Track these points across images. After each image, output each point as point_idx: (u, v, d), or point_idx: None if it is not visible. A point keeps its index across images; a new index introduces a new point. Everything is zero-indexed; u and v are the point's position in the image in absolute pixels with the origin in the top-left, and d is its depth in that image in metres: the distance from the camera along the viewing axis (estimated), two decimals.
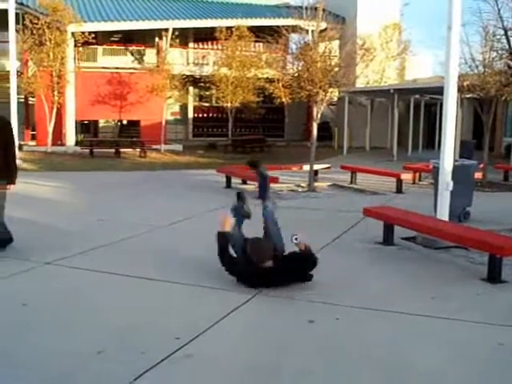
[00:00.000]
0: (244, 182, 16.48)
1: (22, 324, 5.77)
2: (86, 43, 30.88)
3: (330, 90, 17.42)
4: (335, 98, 30.97)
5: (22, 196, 13.34)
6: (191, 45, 39.56)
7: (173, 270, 7.57)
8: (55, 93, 30.18)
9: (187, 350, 5.12)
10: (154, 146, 29.82)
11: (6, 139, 8.04)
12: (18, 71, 29.79)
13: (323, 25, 18.00)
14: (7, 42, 23.74)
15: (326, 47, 17.14)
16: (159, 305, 6.39)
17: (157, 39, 35.69)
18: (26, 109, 34.13)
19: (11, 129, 8.29)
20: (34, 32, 28.68)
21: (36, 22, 28.73)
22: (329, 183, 17.36)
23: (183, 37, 34.46)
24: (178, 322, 5.85)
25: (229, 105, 33.15)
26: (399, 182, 16.03)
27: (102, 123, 38.39)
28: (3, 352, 5.06)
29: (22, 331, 5.58)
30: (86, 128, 37.35)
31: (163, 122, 31.78)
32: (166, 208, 12.85)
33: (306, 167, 17.05)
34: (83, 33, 29.94)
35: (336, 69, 16.99)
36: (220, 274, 7.12)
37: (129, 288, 6.98)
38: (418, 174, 18.18)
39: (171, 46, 32.73)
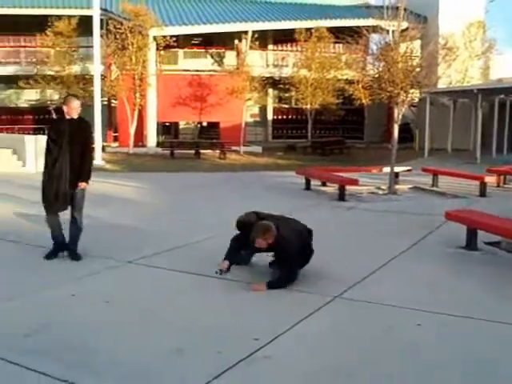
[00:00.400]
0: (323, 184, 16.37)
1: (103, 320, 5.87)
2: (167, 47, 31.38)
3: (412, 90, 17.15)
4: (416, 99, 30.44)
5: (105, 196, 13.68)
6: (270, 47, 39.62)
7: (250, 272, 7.56)
8: (137, 95, 30.77)
9: (266, 352, 5.10)
10: (234, 148, 30.01)
11: (85, 139, 8.22)
12: (101, 75, 30.55)
13: (404, 24, 17.70)
14: (92, 46, 24.38)
15: (407, 47, 16.87)
16: (237, 305, 6.40)
17: (236, 41, 35.90)
18: (108, 111, 34.95)
19: (90, 130, 8.52)
20: (117, 37, 29.41)
21: (119, 27, 29.45)
22: (410, 186, 17.06)
23: (262, 39, 34.59)
24: (257, 323, 5.84)
25: (308, 106, 33.10)
26: (483, 185, 15.59)
27: (182, 125, 38.82)
28: (86, 347, 5.16)
29: (103, 327, 5.69)
30: (167, 130, 37.86)
31: (243, 124, 31.96)
32: (244, 209, 12.86)
33: (386, 169, 16.79)
34: (164, 36, 30.47)
35: (417, 69, 16.69)
36: (301, 275, 7.09)
37: (207, 288, 7.01)
38: (502, 177, 17.67)
39: (251, 48, 32.93)
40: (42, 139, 21.36)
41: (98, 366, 4.82)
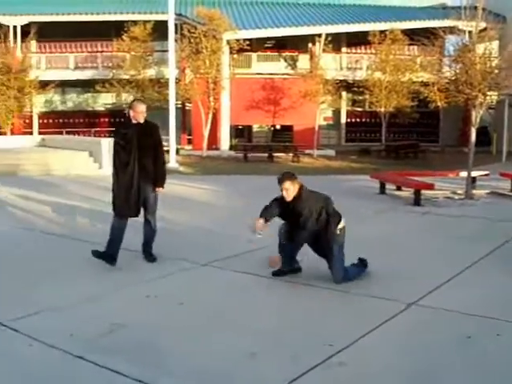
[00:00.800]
0: (398, 189, 16.12)
1: (177, 322, 5.93)
2: (240, 50, 31.54)
3: (490, 93, 16.74)
4: (494, 101, 29.74)
5: (180, 198, 13.84)
6: (344, 49, 39.34)
7: (324, 276, 7.50)
8: (211, 99, 31.02)
9: (341, 358, 5.04)
10: (307, 151, 29.93)
11: (155, 143, 8.13)
12: (176, 78, 30.97)
13: (482, 25, 17.29)
14: (166, 51, 24.70)
15: (485, 48, 16.47)
16: (310, 310, 6.35)
17: (310, 44, 35.81)
18: (182, 114, 35.41)
19: (159, 133, 8.37)
20: (192, 41, 29.74)
21: (193, 31, 29.78)
22: (487, 191, 16.61)
23: (336, 41, 34.33)
24: (330, 328, 5.79)
25: (382, 109, 32.75)
26: None
27: (255, 128, 38.94)
28: (160, 351, 5.20)
29: (177, 329, 5.74)
30: (240, 133, 38.03)
31: (316, 127, 31.82)
32: None
33: (463, 174, 16.41)
34: (238, 40, 30.65)
35: (496, 71, 16.27)
36: (375, 281, 7.01)
37: (280, 291, 7.01)
38: None
39: (324, 51, 32.77)
40: None
41: (172, 368, 4.86)
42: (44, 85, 32.53)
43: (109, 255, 7.84)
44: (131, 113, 8.01)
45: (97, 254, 7.82)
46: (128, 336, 5.56)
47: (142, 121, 8.01)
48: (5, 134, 32.14)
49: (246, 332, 5.65)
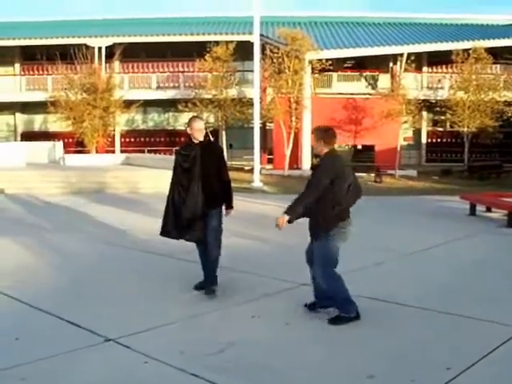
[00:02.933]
0: (488, 210, 15.74)
1: (286, 342, 5.93)
2: (322, 70, 31.57)
3: None
4: None
5: (266, 217, 13.82)
6: (424, 68, 38.87)
7: (431, 298, 7.36)
8: (293, 118, 31.11)
9: (458, 382, 4.93)
10: (389, 171, 29.61)
11: (219, 163, 7.67)
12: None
13: None
14: (248, 71, 24.83)
15: None
16: (422, 333, 6.23)
17: (391, 64, 35.59)
18: (263, 133, 35.56)
19: (222, 152, 8.01)
20: (274, 61, 29.91)
21: (276, 51, 29.98)
22: None
23: (416, 60, 33.88)
24: (447, 351, 5.65)
25: (465, 129, 32.15)
26: None
27: (336, 147, 38.71)
28: (275, 371, 5.20)
29: (286, 349, 5.73)
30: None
31: (398, 147, 31.50)
32: (410, 233, 12.63)
33: None
34: (320, 60, 30.69)
35: None
36: (474, 303, 6.85)
37: (386, 312, 6.91)
38: None
39: (405, 70, 32.47)
40: None
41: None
42: (128, 104, 33.22)
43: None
44: (189, 130, 7.57)
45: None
46: (239, 355, 5.57)
47: (201, 139, 7.54)
48: (90, 152, 33.00)
49: (360, 354, 5.60)
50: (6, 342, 5.82)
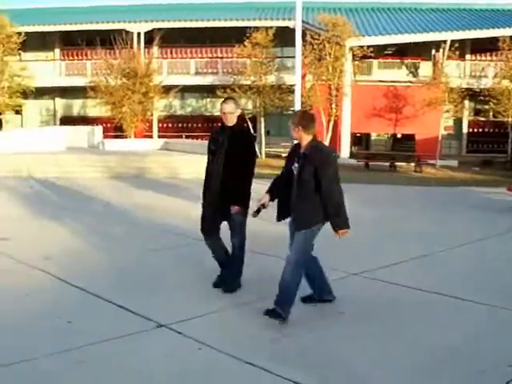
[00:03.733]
0: None
1: (343, 333, 5.84)
2: (363, 57, 31.23)
3: None
4: None
5: None
6: (468, 56, 38.10)
7: (487, 292, 7.14)
8: (333, 105, 30.82)
9: None
10: (429, 161, 29.17)
11: (242, 152, 6.93)
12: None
13: None
14: (287, 57, 24.48)
15: None
16: (490, 328, 6.05)
17: (433, 51, 35.05)
18: None
19: (250, 140, 7.25)
20: (315, 47, 29.61)
21: (317, 37, 29.67)
22: None
23: (459, 48, 33.24)
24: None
25: (509, 119, 31.48)
26: None
27: (373, 136, 38.42)
28: (329, 359, 5.07)
29: (342, 339, 5.66)
30: (358, 140, 37.60)
31: (439, 137, 31.03)
32: (457, 225, 12.38)
33: None
34: (361, 47, 30.33)
35: None
36: None
37: (442, 308, 6.72)
38: None
39: (448, 57, 31.92)
40: None
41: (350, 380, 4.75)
42: (166, 89, 33.19)
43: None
44: (220, 114, 7.09)
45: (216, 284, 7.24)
46: (294, 344, 5.49)
47: (229, 123, 6.96)
48: (128, 137, 33.06)
49: (420, 346, 5.45)
50: (60, 325, 5.80)
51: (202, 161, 7.45)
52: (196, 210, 7.41)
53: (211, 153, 7.10)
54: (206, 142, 7.43)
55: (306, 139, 6.06)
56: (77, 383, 4.65)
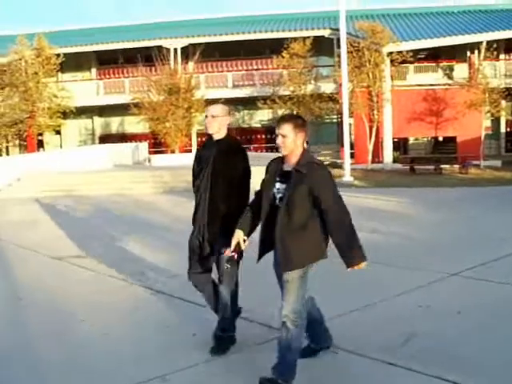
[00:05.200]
0: None
1: (459, 330, 5.91)
2: (401, 62, 31.37)
3: None
4: None
5: (372, 210, 13.92)
6: (502, 56, 37.91)
7: None
8: (375, 112, 30.96)
9: None
10: (473, 162, 29.10)
11: (233, 172, 5.38)
12: (334, 93, 31.26)
13: None
14: (324, 66, 24.56)
15: None
16: None
17: (468, 53, 35.01)
18: (340, 128, 35.49)
19: (242, 156, 5.52)
20: (354, 55, 29.80)
21: (356, 45, 29.86)
22: None
23: (494, 48, 33.10)
24: None
25: None
26: None
27: (411, 140, 38.41)
28: (462, 358, 5.20)
29: (463, 337, 5.72)
30: (396, 145, 37.60)
31: (482, 137, 30.97)
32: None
33: None
34: (400, 52, 30.46)
35: None
36: None
37: None
38: None
39: (485, 58, 31.90)
40: None
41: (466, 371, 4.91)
42: (208, 103, 33.43)
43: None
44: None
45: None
46: (426, 345, 5.55)
47: (214, 131, 5.48)
48: (168, 152, 33.45)
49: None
50: (187, 338, 5.92)
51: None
52: None
53: (194, 176, 5.66)
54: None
55: (298, 150, 4.68)
56: None
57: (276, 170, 4.74)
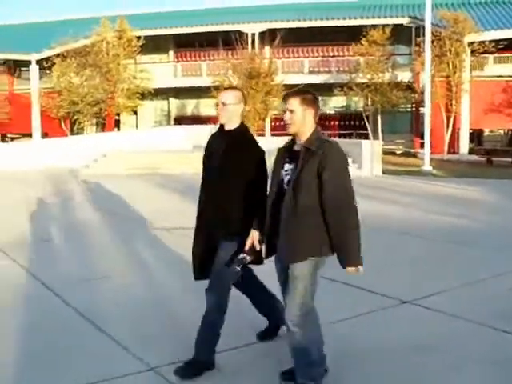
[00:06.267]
0: None
1: None
2: (483, 52, 31.05)
3: None
4: None
5: (452, 197, 14.07)
6: None
7: None
8: (453, 102, 30.78)
9: None
10: None
11: (240, 167, 4.54)
12: (410, 82, 31.15)
13: None
14: (402, 54, 24.30)
15: None
16: None
17: None
18: (414, 118, 35.40)
19: (252, 151, 4.65)
20: (435, 44, 29.63)
21: (437, 34, 29.67)
22: None
23: None
24: None
25: None
26: None
27: (486, 132, 37.98)
28: None
29: None
30: (471, 137, 37.21)
31: None
32: None
33: None
34: (483, 42, 30.14)
35: None
36: None
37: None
38: None
39: None
40: (376, 144, 22.41)
41: None
42: (287, 88, 33.66)
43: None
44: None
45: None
46: None
47: (226, 121, 4.66)
48: None
49: None
50: None
51: None
52: None
53: (203, 165, 4.88)
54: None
55: (307, 128, 4.15)
56: None
57: (286, 150, 4.25)
